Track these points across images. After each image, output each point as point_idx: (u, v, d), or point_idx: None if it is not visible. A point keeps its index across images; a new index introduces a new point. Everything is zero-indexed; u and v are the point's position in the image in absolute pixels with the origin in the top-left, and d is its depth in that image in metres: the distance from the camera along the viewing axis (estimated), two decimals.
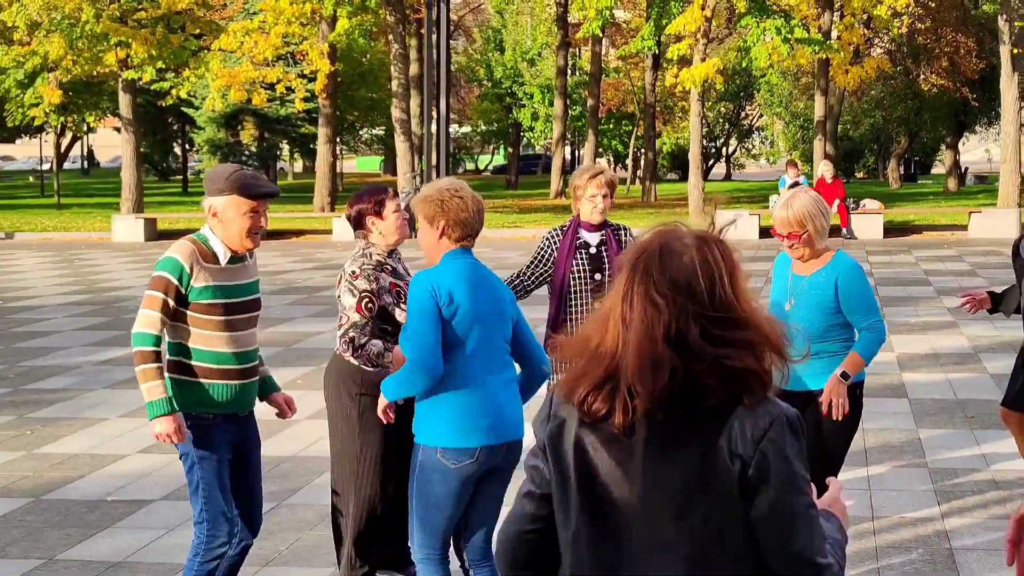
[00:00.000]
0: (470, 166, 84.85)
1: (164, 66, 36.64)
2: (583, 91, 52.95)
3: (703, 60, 32.58)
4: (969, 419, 10.82)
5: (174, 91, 37.48)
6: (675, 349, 2.89)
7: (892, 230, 30.49)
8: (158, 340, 5.88)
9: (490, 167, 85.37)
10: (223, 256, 5.91)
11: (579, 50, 57.10)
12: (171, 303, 5.84)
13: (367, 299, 6.49)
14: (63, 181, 52.60)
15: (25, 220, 38.01)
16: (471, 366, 5.53)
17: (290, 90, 38.69)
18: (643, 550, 2.95)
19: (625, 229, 7.96)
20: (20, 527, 8.35)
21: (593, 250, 7.76)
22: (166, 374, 5.91)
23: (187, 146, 64.01)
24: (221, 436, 5.98)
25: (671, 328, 2.90)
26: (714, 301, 2.94)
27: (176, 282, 5.83)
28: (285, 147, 62.03)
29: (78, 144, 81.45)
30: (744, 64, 40.95)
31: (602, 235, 7.79)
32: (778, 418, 2.93)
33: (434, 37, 31.63)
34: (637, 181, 54.25)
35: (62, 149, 74.87)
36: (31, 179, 68.59)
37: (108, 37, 34.93)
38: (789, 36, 31.69)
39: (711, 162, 72.39)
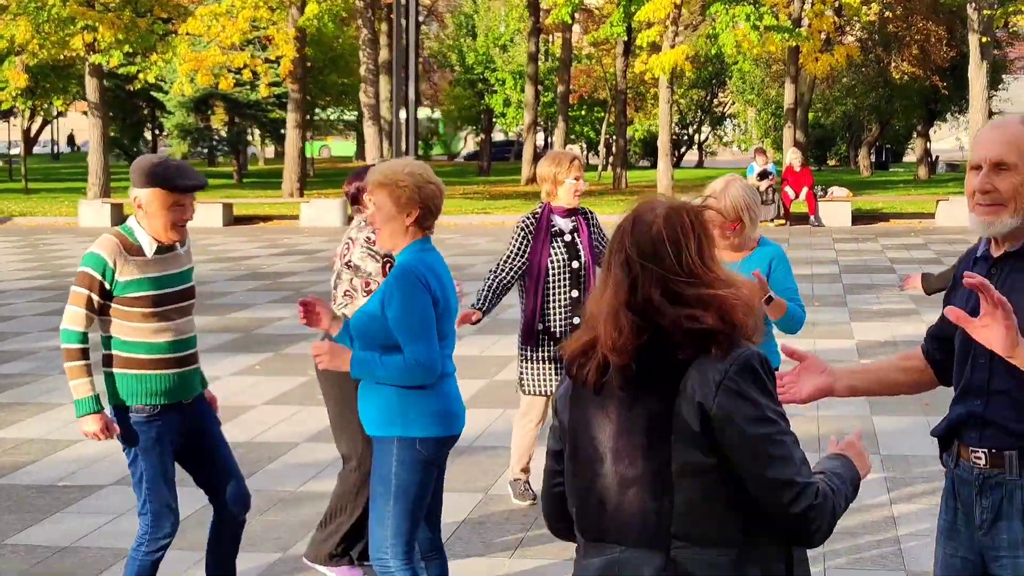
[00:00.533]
0: (439, 151, 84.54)
1: (131, 50, 36.45)
2: (554, 77, 52.90)
3: (672, 47, 32.61)
4: (925, 405, 10.83)
5: (141, 75, 37.31)
6: (642, 311, 3.19)
7: (860, 218, 30.56)
8: (84, 337, 5.82)
9: (462, 154, 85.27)
10: (149, 248, 5.83)
11: (551, 37, 57.05)
12: (95, 299, 5.78)
13: (389, 263, 6.53)
14: (32, 166, 52.40)
15: None
16: (445, 357, 5.46)
17: (256, 75, 38.54)
18: (613, 484, 3.22)
19: (592, 213, 8.01)
20: None
21: (568, 237, 7.78)
22: (105, 368, 5.89)
23: (157, 131, 63.71)
24: (164, 427, 5.90)
25: (637, 292, 3.20)
26: (681, 265, 3.20)
27: (100, 277, 5.76)
28: (256, 132, 61.78)
29: (48, 128, 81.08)
30: (714, 51, 40.96)
31: (574, 221, 7.83)
32: (738, 360, 3.16)
33: (403, 22, 31.54)
34: (608, 168, 54.26)
35: (31, 134, 74.61)
36: (0, 163, 68.29)
37: (75, 20, 34.73)
38: (759, 23, 31.74)
39: (683, 149, 72.49)
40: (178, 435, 5.99)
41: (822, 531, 3.20)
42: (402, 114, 33.54)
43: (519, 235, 7.83)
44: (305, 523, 7.81)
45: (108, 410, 5.92)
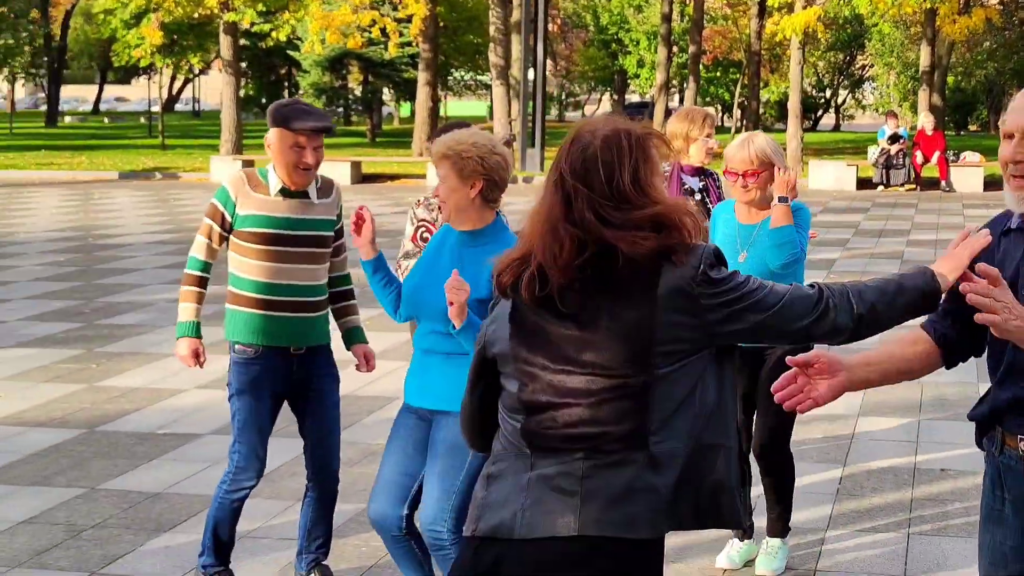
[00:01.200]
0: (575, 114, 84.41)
1: (265, 8, 36.85)
2: (688, 39, 52.47)
3: (805, 8, 32.11)
4: None
5: (274, 34, 37.70)
6: (581, 228, 3.28)
7: (994, 183, 29.82)
8: (204, 265, 6.00)
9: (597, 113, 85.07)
10: (274, 187, 5.88)
11: None
12: (217, 229, 5.93)
13: (423, 228, 6.44)
14: (172, 123, 53.26)
15: (128, 160, 38.49)
16: None
17: (386, 34, 38.71)
18: (581, 395, 3.32)
19: (718, 176, 7.69)
20: (70, 457, 8.50)
21: (698, 196, 7.56)
22: (226, 305, 5.98)
23: (294, 89, 64.41)
24: (263, 371, 5.92)
25: (571, 210, 3.29)
26: (611, 189, 3.28)
27: (223, 208, 5.91)
28: (391, 91, 62.15)
29: (190, 86, 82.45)
30: (849, 12, 40.22)
31: (703, 181, 7.58)
32: (703, 256, 3.30)
33: None
34: (743, 130, 53.70)
35: (173, 92, 75.93)
36: (142, 120, 69.54)
37: None
38: None
39: (820, 112, 71.40)
40: (283, 382, 5.98)
41: (836, 321, 3.39)
42: (531, 74, 33.54)
43: None
44: None
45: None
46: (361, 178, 32.95)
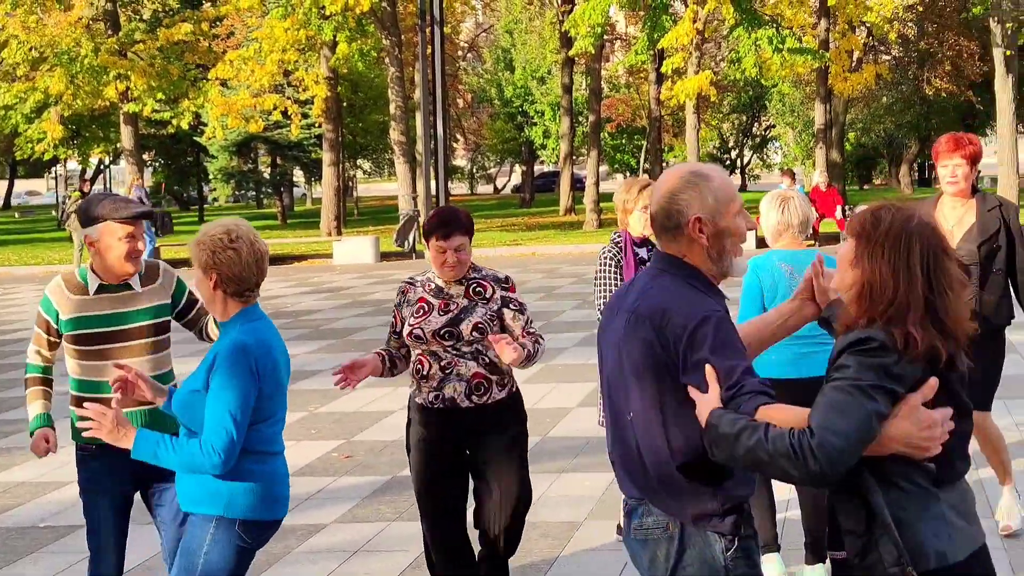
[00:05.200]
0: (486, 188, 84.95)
1: (164, 97, 37.02)
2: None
3: (696, 73, 32.71)
4: None
5: (175, 121, 37.84)
6: None
7: None
8: (43, 368, 6.05)
9: (508, 186, 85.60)
10: (92, 286, 5.88)
11: (586, 67, 57.32)
12: (45, 337, 5.95)
13: (393, 313, 6.56)
14: None
15: (33, 254, 38.27)
16: (275, 435, 5.07)
17: (287, 116, 38.98)
18: None
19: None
20: None
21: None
22: (70, 407, 5.94)
23: (202, 175, 64.42)
24: (104, 468, 5.88)
25: None
26: None
27: (47, 317, 5.92)
28: (300, 173, 62.36)
29: (101, 177, 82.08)
30: (739, 76, 40.99)
31: (648, 249, 7.48)
32: None
33: (429, 59, 31.87)
34: None
35: (84, 183, 75.47)
36: (53, 213, 69.17)
37: (107, 70, 35.34)
38: (781, 46, 31.80)
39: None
40: (129, 478, 5.91)
41: None
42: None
43: (611, 266, 7.47)
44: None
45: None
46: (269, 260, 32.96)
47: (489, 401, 6.32)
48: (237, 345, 4.86)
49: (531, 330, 6.35)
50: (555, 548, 7.86)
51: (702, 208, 3.85)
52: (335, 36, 35.44)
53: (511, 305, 6.34)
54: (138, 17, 40.47)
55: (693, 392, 3.69)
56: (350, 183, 65.42)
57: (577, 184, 50.83)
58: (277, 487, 5.05)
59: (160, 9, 41.88)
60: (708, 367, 3.66)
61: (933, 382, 3.49)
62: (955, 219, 7.47)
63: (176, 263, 32.67)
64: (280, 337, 5.13)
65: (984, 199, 7.54)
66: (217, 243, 4.88)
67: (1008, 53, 33.19)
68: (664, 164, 53.47)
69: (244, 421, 4.80)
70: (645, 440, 3.83)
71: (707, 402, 3.64)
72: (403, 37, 40.14)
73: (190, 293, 6.18)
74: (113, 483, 5.92)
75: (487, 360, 6.28)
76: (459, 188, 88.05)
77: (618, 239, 7.58)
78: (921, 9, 44.02)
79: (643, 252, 7.51)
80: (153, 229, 31.60)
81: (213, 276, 4.90)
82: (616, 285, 7.43)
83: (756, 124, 71.04)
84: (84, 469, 5.96)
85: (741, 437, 3.51)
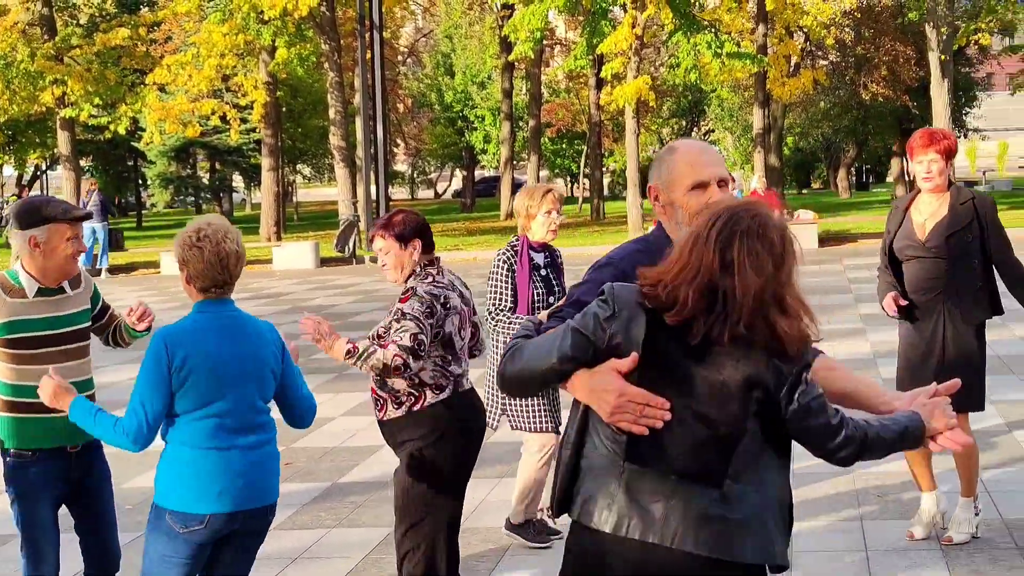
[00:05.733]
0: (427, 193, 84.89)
1: (101, 102, 36.73)
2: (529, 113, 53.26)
3: (636, 78, 32.82)
4: None
5: (112, 126, 37.56)
6: None
7: (828, 240, 30.73)
8: None
9: (449, 191, 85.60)
10: (30, 289, 5.80)
11: (526, 72, 57.42)
12: None
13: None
14: None
15: None
16: (209, 429, 5.12)
17: (226, 120, 38.79)
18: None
19: (558, 253, 7.77)
20: None
21: (543, 272, 7.55)
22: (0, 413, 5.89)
23: (140, 181, 64.01)
24: (41, 474, 5.84)
25: None
26: None
27: None
28: (239, 178, 62.10)
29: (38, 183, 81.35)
30: (679, 81, 41.18)
31: (546, 256, 7.58)
32: None
33: (369, 64, 31.80)
34: (592, 200, 54.40)
35: (22, 188, 74.81)
36: None
37: (44, 75, 35.03)
38: (720, 51, 31.95)
39: None
40: (63, 483, 5.91)
41: None
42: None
43: (503, 270, 7.51)
44: None
45: None
46: None
47: (384, 418, 6.27)
48: (158, 332, 5.10)
49: (397, 338, 6.00)
50: (496, 553, 7.85)
51: (657, 178, 4.05)
52: (274, 41, 35.34)
53: (395, 312, 6.15)
54: (75, 22, 40.08)
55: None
56: (290, 188, 65.16)
57: (518, 189, 50.84)
58: (213, 483, 5.10)
59: (97, 14, 41.52)
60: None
61: (635, 356, 3.57)
62: (928, 213, 7.47)
63: (120, 268, 32.49)
64: (246, 332, 5.22)
65: (959, 192, 7.53)
66: (186, 240, 5.12)
67: (943, 58, 33.55)
68: (604, 169, 53.71)
69: (155, 405, 4.99)
70: None
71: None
72: (342, 42, 40.11)
73: (103, 299, 6.25)
74: (49, 488, 5.87)
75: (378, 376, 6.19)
76: (400, 193, 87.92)
77: (515, 243, 7.57)
78: (858, 15, 44.36)
79: (539, 258, 7.56)
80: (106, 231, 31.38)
81: (184, 271, 5.15)
82: (507, 290, 7.48)
83: (695, 129, 71.38)
84: (21, 476, 5.86)
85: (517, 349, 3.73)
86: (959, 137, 54.34)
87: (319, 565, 7.86)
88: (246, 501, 5.19)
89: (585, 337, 3.59)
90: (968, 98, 56.50)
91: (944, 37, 33.74)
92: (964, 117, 57.17)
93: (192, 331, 5.10)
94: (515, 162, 50.90)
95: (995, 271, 7.52)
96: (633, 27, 32.13)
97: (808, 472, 8.82)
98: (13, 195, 32.20)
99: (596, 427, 3.69)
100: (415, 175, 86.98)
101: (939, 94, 33.99)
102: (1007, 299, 7.60)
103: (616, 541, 3.61)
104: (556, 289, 7.58)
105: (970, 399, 7.24)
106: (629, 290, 3.63)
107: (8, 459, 5.89)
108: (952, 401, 3.81)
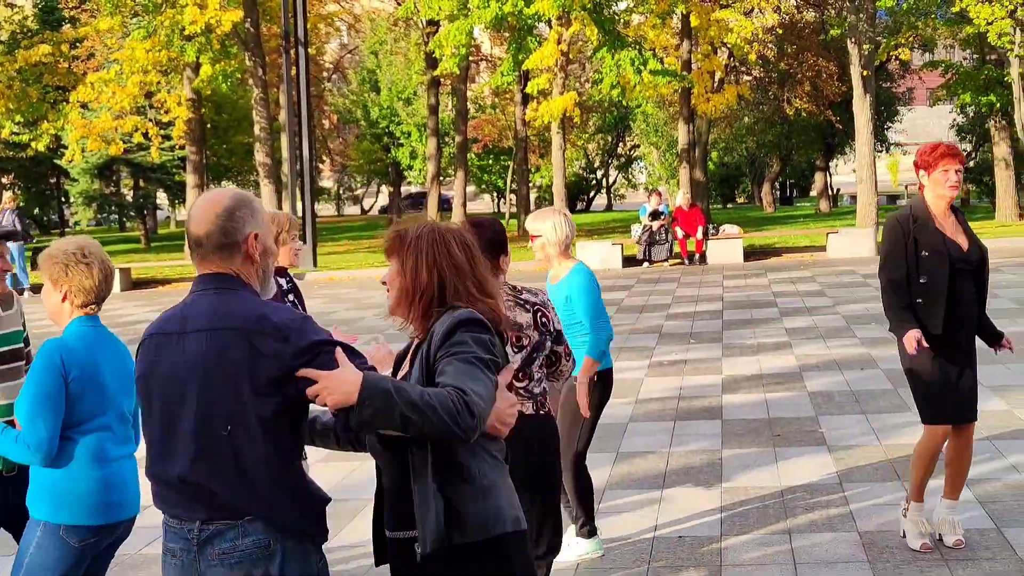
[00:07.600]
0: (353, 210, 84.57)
1: (22, 119, 36.36)
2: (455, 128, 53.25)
3: (561, 94, 32.93)
4: (775, 437, 11.00)
5: (34, 144, 37.18)
6: None
7: (753, 254, 30.95)
8: None
9: (375, 207, 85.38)
10: None
11: (452, 88, 57.44)
12: None
13: (541, 312, 6.68)
14: None
15: None
16: (99, 441, 5.20)
17: (148, 137, 38.50)
18: None
19: (292, 277, 7.63)
20: None
21: (291, 297, 7.42)
22: None
23: (63, 198, 63.34)
24: None
25: None
26: None
27: None
28: (164, 195, 61.58)
29: None
30: (599, 97, 41.34)
31: (288, 280, 7.47)
32: None
33: (294, 80, 31.67)
34: (520, 215, 54.45)
35: None
36: None
37: None
38: (643, 68, 32.10)
39: (592, 193, 72.95)
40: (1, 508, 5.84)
41: None
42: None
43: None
44: None
45: None
46: (132, 284, 32.52)
47: None
48: (49, 344, 5.12)
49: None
50: None
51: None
52: (198, 57, 35.13)
53: None
54: None
55: (313, 373, 3.69)
56: None
57: (444, 205, 50.86)
58: (109, 494, 5.19)
59: (18, 30, 41.11)
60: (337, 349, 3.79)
61: (516, 361, 3.76)
62: (948, 224, 7.49)
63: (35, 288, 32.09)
64: (118, 347, 5.36)
65: (953, 210, 7.59)
66: (70, 258, 5.21)
67: (865, 73, 33.87)
68: (530, 184, 53.79)
69: (57, 417, 5.06)
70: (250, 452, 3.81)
71: (347, 371, 3.68)
72: (267, 58, 39.91)
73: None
74: None
75: None
76: (326, 209, 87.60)
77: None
78: (781, 31, 44.74)
79: (283, 282, 7.44)
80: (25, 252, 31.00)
81: (63, 288, 5.21)
82: None
83: (621, 144, 71.64)
84: None
85: (400, 392, 3.62)
86: (879, 152, 55.00)
87: None
88: (132, 509, 5.32)
89: (494, 364, 3.99)
90: (890, 112, 57.19)
91: (866, 53, 34.09)
92: (886, 132, 57.89)
93: (82, 346, 5.19)
94: (442, 178, 50.76)
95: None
96: (559, 43, 32.25)
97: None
98: None
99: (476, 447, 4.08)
100: (341, 191, 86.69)
101: (861, 109, 34.31)
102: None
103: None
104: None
105: (976, 409, 7.47)
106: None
107: None
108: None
